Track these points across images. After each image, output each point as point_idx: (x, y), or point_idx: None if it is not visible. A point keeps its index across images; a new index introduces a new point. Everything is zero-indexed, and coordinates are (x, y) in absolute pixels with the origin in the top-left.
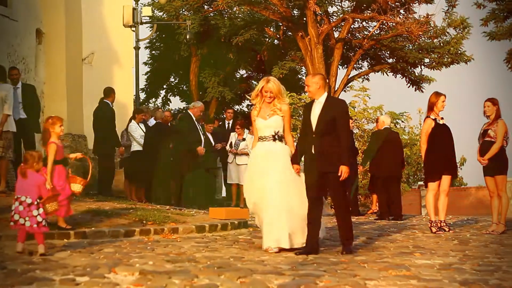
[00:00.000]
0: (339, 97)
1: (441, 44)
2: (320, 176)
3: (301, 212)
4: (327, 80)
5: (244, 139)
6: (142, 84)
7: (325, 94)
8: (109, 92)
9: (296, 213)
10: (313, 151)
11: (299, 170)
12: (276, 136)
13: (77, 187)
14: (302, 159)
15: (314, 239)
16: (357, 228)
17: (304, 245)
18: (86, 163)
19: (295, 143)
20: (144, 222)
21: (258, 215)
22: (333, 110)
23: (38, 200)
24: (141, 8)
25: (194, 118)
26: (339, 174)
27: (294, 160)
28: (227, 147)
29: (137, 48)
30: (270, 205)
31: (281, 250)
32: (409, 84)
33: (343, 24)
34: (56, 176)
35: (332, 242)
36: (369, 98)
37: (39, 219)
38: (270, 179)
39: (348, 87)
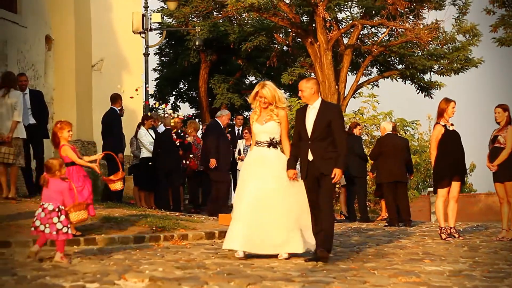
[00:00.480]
0: (347, 104)
1: (451, 50)
2: (317, 180)
3: (289, 222)
4: (336, 87)
5: None
6: (151, 90)
7: (320, 99)
8: (115, 98)
9: (284, 222)
10: (309, 157)
11: (296, 174)
12: (271, 143)
13: (119, 185)
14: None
15: (331, 239)
16: (367, 234)
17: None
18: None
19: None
20: (154, 228)
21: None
22: (328, 115)
23: (60, 207)
24: (151, 15)
25: (222, 126)
26: (332, 176)
27: (290, 165)
28: (236, 154)
29: (146, 55)
30: (256, 209)
31: (247, 255)
32: (418, 90)
33: (352, 30)
34: (72, 178)
35: (342, 248)
36: (378, 103)
37: (59, 226)
38: (264, 186)
39: (357, 93)
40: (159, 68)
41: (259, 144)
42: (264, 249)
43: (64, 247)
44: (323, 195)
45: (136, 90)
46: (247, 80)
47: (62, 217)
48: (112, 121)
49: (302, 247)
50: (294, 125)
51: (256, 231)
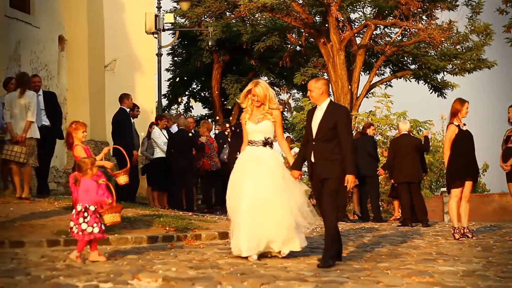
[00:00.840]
0: (360, 104)
1: (464, 50)
2: (321, 182)
3: (288, 220)
4: (349, 87)
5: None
6: (164, 90)
7: (328, 100)
8: (122, 98)
9: (283, 220)
10: (312, 158)
11: (301, 175)
12: (266, 142)
13: (123, 178)
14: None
15: (339, 243)
16: (380, 234)
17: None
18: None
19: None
20: (167, 228)
21: (236, 221)
22: (334, 116)
23: (87, 206)
24: (163, 15)
25: None
26: (345, 184)
27: (295, 166)
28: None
29: (159, 55)
30: (255, 210)
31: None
32: (431, 90)
33: (365, 30)
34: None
35: (356, 248)
36: (392, 104)
37: (84, 226)
38: (260, 185)
39: (370, 93)
40: (171, 68)
41: (253, 144)
42: (270, 248)
43: (83, 247)
44: (324, 198)
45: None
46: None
47: (88, 217)
48: (121, 121)
49: (299, 245)
50: (305, 126)
51: (259, 232)
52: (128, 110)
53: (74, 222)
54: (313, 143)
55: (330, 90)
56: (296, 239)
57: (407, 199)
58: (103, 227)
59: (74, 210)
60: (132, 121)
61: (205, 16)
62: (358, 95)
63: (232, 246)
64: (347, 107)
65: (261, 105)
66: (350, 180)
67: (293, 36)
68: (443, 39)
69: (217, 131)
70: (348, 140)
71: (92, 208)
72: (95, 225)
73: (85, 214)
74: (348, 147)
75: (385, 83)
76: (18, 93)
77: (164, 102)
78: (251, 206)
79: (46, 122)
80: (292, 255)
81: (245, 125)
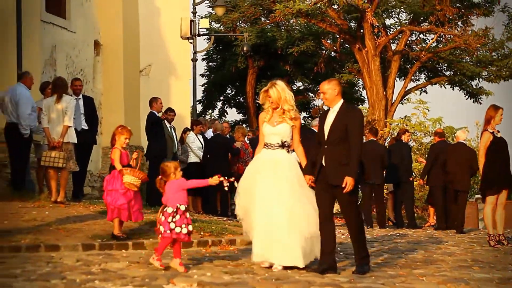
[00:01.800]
0: (395, 110)
1: (499, 57)
2: (331, 188)
3: (305, 228)
4: (384, 93)
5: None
6: (198, 95)
7: (341, 102)
8: (151, 102)
9: (299, 228)
10: (323, 162)
11: (312, 180)
12: (283, 145)
13: (127, 177)
14: None
15: (330, 256)
16: (414, 241)
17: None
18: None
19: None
20: (202, 233)
21: (249, 223)
22: (346, 119)
23: (178, 206)
24: (199, 20)
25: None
26: (343, 186)
27: (307, 170)
28: None
29: (194, 60)
30: (272, 217)
31: (271, 265)
32: (467, 97)
33: (400, 36)
34: (119, 181)
35: (390, 255)
36: (429, 110)
37: (172, 226)
38: (277, 191)
39: (405, 99)
40: (206, 73)
41: (269, 147)
42: (285, 261)
43: (164, 248)
44: (344, 208)
45: None
46: (295, 85)
47: (177, 217)
48: (150, 125)
49: (303, 260)
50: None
51: (274, 241)
52: (158, 113)
53: (165, 225)
54: (325, 146)
55: (365, 95)
56: (305, 252)
57: (445, 205)
58: (190, 229)
59: (160, 215)
60: (169, 125)
61: (240, 22)
62: (393, 101)
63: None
64: (360, 110)
65: (277, 108)
66: (348, 183)
67: (328, 41)
68: (478, 45)
69: (249, 136)
70: (356, 142)
71: (182, 207)
72: (183, 226)
73: (175, 214)
74: (355, 150)
75: (420, 89)
76: (55, 98)
77: (199, 107)
78: (265, 212)
79: (85, 126)
80: None
81: (262, 126)
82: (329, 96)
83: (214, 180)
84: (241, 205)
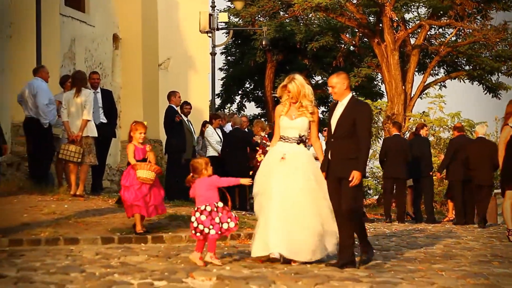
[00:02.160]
0: (414, 104)
1: None
2: (337, 182)
3: (317, 224)
4: (403, 87)
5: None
6: (217, 89)
7: (349, 95)
8: (169, 96)
9: (311, 224)
10: (329, 156)
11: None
12: (301, 140)
13: (140, 172)
14: None
15: (349, 250)
16: (434, 236)
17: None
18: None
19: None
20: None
21: (261, 217)
22: (354, 113)
23: (216, 205)
24: (218, 14)
25: None
26: (350, 179)
27: (323, 166)
28: None
29: (213, 54)
30: (286, 211)
31: (282, 257)
32: (486, 91)
33: (419, 30)
34: (134, 176)
35: (409, 249)
36: (445, 104)
37: (220, 225)
38: (294, 185)
39: (424, 93)
40: (225, 67)
41: (286, 140)
42: (302, 256)
43: (215, 247)
44: (343, 200)
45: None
46: (313, 80)
47: (220, 214)
48: (168, 118)
49: (322, 253)
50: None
51: (291, 236)
52: (176, 107)
53: (208, 224)
54: (332, 140)
55: (384, 90)
56: (322, 247)
57: (463, 199)
58: (235, 221)
59: (198, 214)
60: (186, 118)
61: (259, 16)
62: (412, 95)
63: (254, 247)
64: (368, 104)
65: (296, 101)
66: (355, 177)
67: (347, 35)
68: (498, 40)
69: (268, 130)
70: (364, 137)
71: (220, 204)
72: (229, 220)
73: (218, 212)
74: (363, 144)
75: (439, 84)
76: (75, 91)
77: (217, 101)
78: (284, 207)
79: (103, 119)
80: None
81: (279, 119)
82: (338, 90)
83: (246, 181)
84: (257, 199)
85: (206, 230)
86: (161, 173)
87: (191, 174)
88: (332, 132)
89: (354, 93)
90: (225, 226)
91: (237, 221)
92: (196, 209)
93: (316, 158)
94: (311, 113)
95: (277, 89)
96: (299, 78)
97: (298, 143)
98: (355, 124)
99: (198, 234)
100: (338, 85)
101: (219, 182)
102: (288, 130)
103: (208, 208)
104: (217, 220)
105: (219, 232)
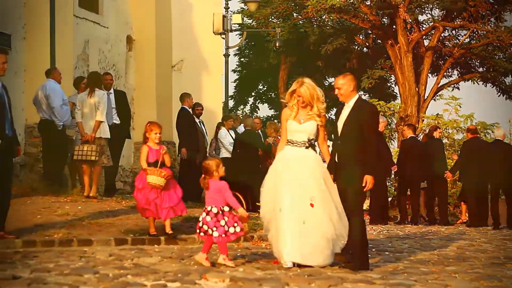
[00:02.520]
0: (427, 106)
1: None
2: (345, 184)
3: (327, 229)
4: (417, 89)
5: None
6: (230, 91)
7: (356, 97)
8: (183, 97)
9: (320, 229)
10: (336, 158)
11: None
12: (310, 144)
13: (150, 178)
14: None
15: (362, 252)
16: (447, 238)
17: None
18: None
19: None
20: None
21: (273, 223)
22: (360, 115)
23: (222, 208)
24: (231, 16)
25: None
26: (363, 185)
27: (330, 168)
28: None
29: (226, 56)
30: (296, 216)
31: (296, 265)
32: (499, 93)
33: (433, 32)
34: (146, 180)
35: (422, 251)
36: (460, 107)
37: (226, 228)
38: (305, 190)
39: (438, 95)
40: (238, 69)
41: (294, 144)
42: (316, 261)
43: (226, 248)
44: (349, 201)
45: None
46: (327, 81)
47: (226, 218)
48: (181, 120)
49: (333, 257)
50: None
51: (303, 242)
52: (189, 109)
53: (212, 225)
54: (338, 142)
55: (397, 91)
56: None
57: (476, 202)
58: (241, 226)
59: (204, 214)
60: (198, 120)
61: (273, 17)
62: (426, 97)
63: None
64: (374, 105)
65: (306, 105)
66: (368, 181)
67: (361, 37)
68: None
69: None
70: (371, 139)
71: (226, 208)
72: (235, 224)
73: (224, 215)
74: (370, 147)
75: (453, 86)
76: (88, 92)
77: (231, 103)
78: (296, 211)
79: (116, 120)
80: None
81: (286, 123)
82: (344, 92)
83: (243, 213)
84: (264, 204)
85: (210, 231)
86: (171, 177)
87: (203, 175)
88: (339, 134)
89: (366, 95)
90: (231, 230)
91: (242, 227)
92: (204, 209)
93: (324, 161)
94: (319, 116)
95: (286, 94)
96: (309, 81)
97: (307, 147)
98: (361, 126)
99: (202, 234)
100: (345, 87)
101: (225, 193)
102: (296, 134)
103: (214, 210)
104: (222, 223)
105: (223, 235)
